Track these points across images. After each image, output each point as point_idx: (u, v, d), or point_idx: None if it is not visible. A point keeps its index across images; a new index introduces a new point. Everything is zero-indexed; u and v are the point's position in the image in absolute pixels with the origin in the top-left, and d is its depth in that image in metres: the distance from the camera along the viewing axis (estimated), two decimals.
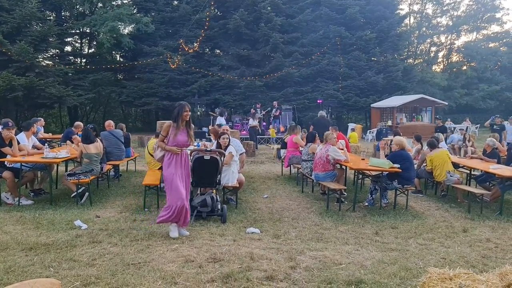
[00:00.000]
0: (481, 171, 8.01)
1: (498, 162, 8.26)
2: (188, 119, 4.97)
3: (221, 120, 15.82)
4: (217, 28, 25.48)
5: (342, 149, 7.61)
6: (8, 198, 6.63)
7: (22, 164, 6.68)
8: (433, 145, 8.01)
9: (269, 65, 25.06)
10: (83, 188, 6.85)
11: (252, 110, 19.01)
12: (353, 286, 3.76)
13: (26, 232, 5.11)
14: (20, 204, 6.53)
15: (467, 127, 22.66)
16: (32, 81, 18.73)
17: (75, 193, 6.76)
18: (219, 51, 28.23)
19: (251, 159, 13.21)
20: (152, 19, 24.27)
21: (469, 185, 8.30)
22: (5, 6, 20.13)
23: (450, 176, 7.57)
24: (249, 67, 25.64)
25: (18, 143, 6.87)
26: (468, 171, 8.61)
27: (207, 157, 5.98)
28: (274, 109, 19.86)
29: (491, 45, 35.54)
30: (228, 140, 6.93)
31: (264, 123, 20.12)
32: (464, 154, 10.24)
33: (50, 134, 12.53)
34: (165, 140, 4.99)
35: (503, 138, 12.97)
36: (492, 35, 36.54)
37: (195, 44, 25.18)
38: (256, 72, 24.92)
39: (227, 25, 24.98)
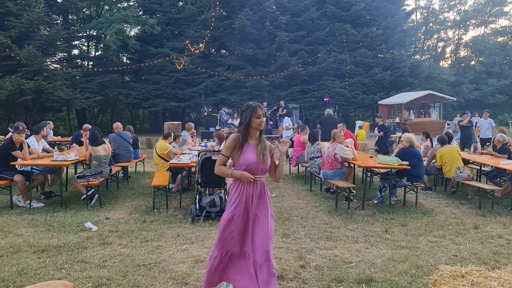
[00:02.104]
0: (492, 166, 7.93)
1: (509, 158, 8.16)
2: (262, 128, 3.20)
3: (288, 121, 15.24)
4: (222, 28, 25.52)
5: (349, 147, 7.59)
6: (19, 201, 6.70)
7: (33, 167, 6.75)
8: (443, 141, 7.94)
9: (275, 64, 25.04)
10: (93, 190, 6.90)
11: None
12: (363, 285, 3.75)
13: (38, 234, 5.16)
14: (31, 207, 6.60)
15: (476, 122, 22.44)
16: (40, 85, 18.90)
17: (85, 195, 6.81)
18: (225, 51, 28.28)
19: None
20: (157, 21, 24.39)
21: (480, 181, 8.22)
22: (12, 11, 20.33)
23: (460, 172, 7.50)
24: (255, 66, 25.64)
25: (29, 146, 6.94)
26: (478, 167, 8.52)
27: (215, 157, 5.99)
28: (280, 108, 19.83)
29: (500, 39, 35.11)
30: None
31: (271, 122, 20.10)
32: (474, 150, 10.15)
33: (59, 137, 12.64)
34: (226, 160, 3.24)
35: (476, 135, 12.74)
36: (500, 29, 36.10)
37: (201, 45, 25.23)
38: (262, 71, 24.92)
39: (233, 25, 25.00)
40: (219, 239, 3.16)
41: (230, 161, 3.24)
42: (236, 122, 17.33)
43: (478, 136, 13.20)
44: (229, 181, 3.51)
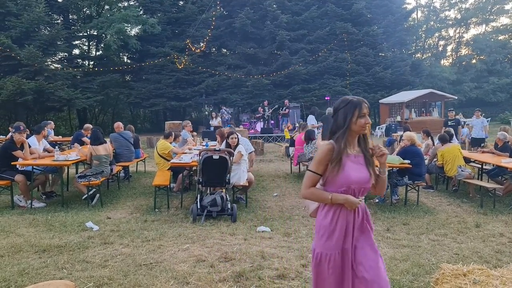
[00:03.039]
0: (493, 165, 7.91)
1: (510, 156, 8.14)
2: (366, 131, 2.43)
3: (312, 119, 14.99)
4: (223, 27, 25.50)
5: None
6: (20, 201, 6.70)
7: (34, 167, 6.75)
8: (444, 140, 7.92)
9: (276, 63, 25.03)
10: (94, 190, 6.90)
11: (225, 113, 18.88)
12: None
13: (39, 234, 5.16)
14: (33, 206, 6.60)
15: (464, 122, 22.33)
16: (41, 85, 18.92)
17: (86, 195, 6.82)
18: (225, 50, 28.27)
19: (260, 157, 13.21)
20: (158, 20, 24.37)
21: (481, 180, 8.20)
22: (13, 11, 20.34)
23: (462, 170, 7.49)
24: (256, 65, 25.63)
25: (30, 146, 6.95)
26: (480, 166, 8.51)
27: (216, 156, 5.99)
28: (283, 108, 19.83)
29: (501, 37, 35.05)
30: (237, 139, 6.91)
31: (272, 121, 20.10)
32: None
33: (60, 136, 12.65)
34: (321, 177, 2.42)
35: (458, 134, 12.25)
36: (501, 27, 36.03)
37: (202, 44, 25.23)
38: (263, 70, 24.90)
39: (233, 24, 24.98)
40: (315, 286, 2.44)
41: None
42: (216, 121, 17.09)
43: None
44: (310, 204, 2.60)
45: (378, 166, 2.47)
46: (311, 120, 14.87)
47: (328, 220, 2.37)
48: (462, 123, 19.06)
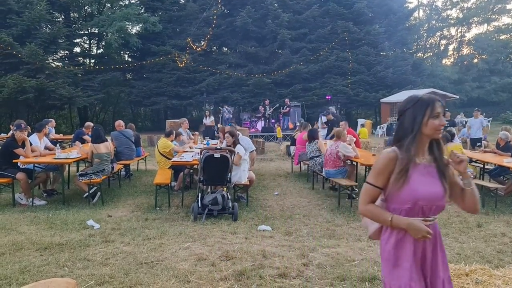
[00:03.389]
0: (495, 165, 7.89)
1: None
2: (440, 136, 2.01)
3: (325, 119, 14.63)
4: (224, 26, 25.48)
5: (350, 144, 7.56)
6: (22, 199, 6.70)
7: (35, 165, 6.75)
8: (446, 139, 7.89)
9: (277, 62, 25.00)
10: (95, 188, 6.90)
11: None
12: (366, 283, 3.73)
13: (40, 232, 5.16)
14: (34, 204, 6.61)
15: (463, 121, 22.30)
16: (42, 83, 18.93)
17: (87, 193, 6.81)
18: (226, 49, 28.24)
19: (260, 156, 13.20)
20: (159, 19, 24.35)
21: (483, 179, 8.18)
22: (14, 9, 20.35)
23: None
24: (257, 64, 25.61)
25: (31, 144, 6.94)
26: (482, 165, 8.49)
27: (217, 155, 5.98)
28: (283, 106, 19.82)
29: (502, 37, 35.01)
30: (232, 139, 6.81)
31: (273, 120, 20.09)
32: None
33: (61, 135, 12.66)
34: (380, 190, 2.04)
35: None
36: (503, 26, 35.99)
37: (203, 43, 25.21)
38: (264, 69, 24.88)
39: (234, 23, 24.95)
40: None
41: None
42: (209, 120, 16.48)
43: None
44: (369, 224, 2.19)
45: (460, 176, 2.03)
46: (324, 119, 14.48)
47: (392, 245, 1.96)
48: (459, 123, 19.01)
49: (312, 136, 8.37)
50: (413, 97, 2.02)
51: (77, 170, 8.61)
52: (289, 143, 12.75)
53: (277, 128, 18.06)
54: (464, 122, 19.94)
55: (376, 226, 2.11)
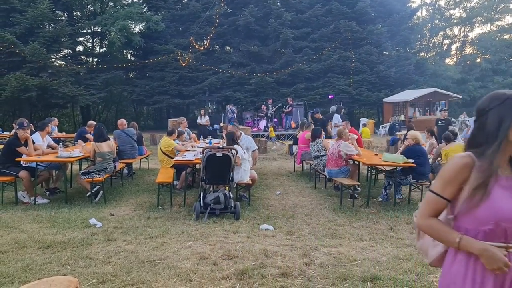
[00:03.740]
0: None
1: None
2: None
3: (337, 118, 13.98)
4: (227, 25, 25.45)
5: (352, 143, 7.55)
6: (24, 197, 6.73)
7: (38, 163, 6.77)
8: (449, 139, 7.88)
9: (280, 61, 24.97)
10: (98, 186, 6.91)
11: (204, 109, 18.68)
12: (368, 283, 3.73)
13: (43, 230, 5.17)
14: (36, 203, 6.63)
15: (458, 121, 22.29)
16: (45, 81, 18.96)
17: (90, 192, 6.83)
18: (229, 48, 28.21)
19: (263, 155, 13.20)
20: (162, 17, 24.34)
21: None
22: (17, 8, 20.37)
23: None
24: (260, 63, 25.58)
25: (33, 142, 6.96)
26: None
27: (219, 154, 5.98)
28: (286, 106, 19.80)
29: (506, 36, 34.82)
30: (229, 141, 6.78)
31: (276, 120, 20.09)
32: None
33: (64, 133, 12.69)
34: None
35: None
36: (506, 26, 35.79)
37: (206, 42, 25.18)
38: (266, 68, 24.86)
39: (237, 22, 24.94)
40: None
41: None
42: (203, 120, 15.80)
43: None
44: (429, 247, 1.82)
45: None
46: (336, 118, 13.86)
47: (459, 268, 1.61)
48: (463, 123, 18.94)
49: (316, 135, 8.38)
50: (499, 94, 1.64)
51: (80, 169, 8.64)
52: (291, 142, 12.74)
53: (270, 128, 18.01)
54: (467, 122, 19.89)
55: (439, 250, 1.73)
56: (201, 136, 12.83)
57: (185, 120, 10.23)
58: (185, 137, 9.42)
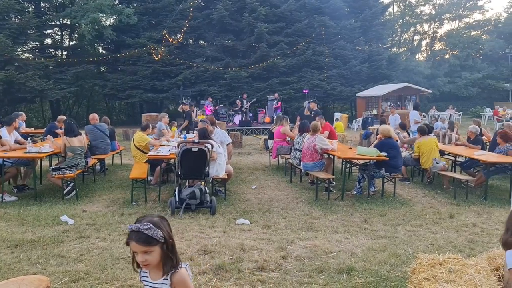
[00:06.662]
0: (466, 157, 8.13)
1: (482, 148, 8.39)
2: None
3: (416, 114, 13.25)
4: (201, 18, 25.17)
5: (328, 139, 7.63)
6: None
7: (4, 159, 6.52)
8: (423, 131, 8.06)
9: (254, 56, 24.91)
10: (72, 184, 6.74)
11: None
12: (344, 274, 3.78)
13: (11, 229, 5.00)
14: (4, 200, 6.39)
15: (450, 114, 23.00)
16: (11, 75, 18.26)
17: (66, 190, 6.66)
18: (203, 42, 27.92)
19: (238, 150, 13.17)
20: (134, 10, 23.79)
21: (455, 172, 8.42)
22: None
23: (436, 163, 7.66)
24: (234, 58, 25.45)
25: (0, 138, 6.70)
26: (453, 158, 8.73)
27: (194, 149, 5.92)
28: (275, 101, 19.88)
29: (473, 33, 35.95)
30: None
31: (251, 114, 20.06)
32: (448, 141, 10.37)
33: (32, 128, 12.26)
34: None
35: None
36: (474, 23, 36.99)
37: (179, 35, 24.82)
38: (241, 62, 24.75)
39: (211, 16, 24.69)
40: None
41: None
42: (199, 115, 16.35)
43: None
44: None
45: None
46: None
47: None
48: (437, 116, 19.47)
49: (303, 129, 8.34)
50: None
51: (50, 165, 8.38)
52: (266, 136, 12.76)
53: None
54: (436, 116, 20.43)
55: None
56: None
57: (167, 116, 10.21)
58: (165, 131, 9.34)
